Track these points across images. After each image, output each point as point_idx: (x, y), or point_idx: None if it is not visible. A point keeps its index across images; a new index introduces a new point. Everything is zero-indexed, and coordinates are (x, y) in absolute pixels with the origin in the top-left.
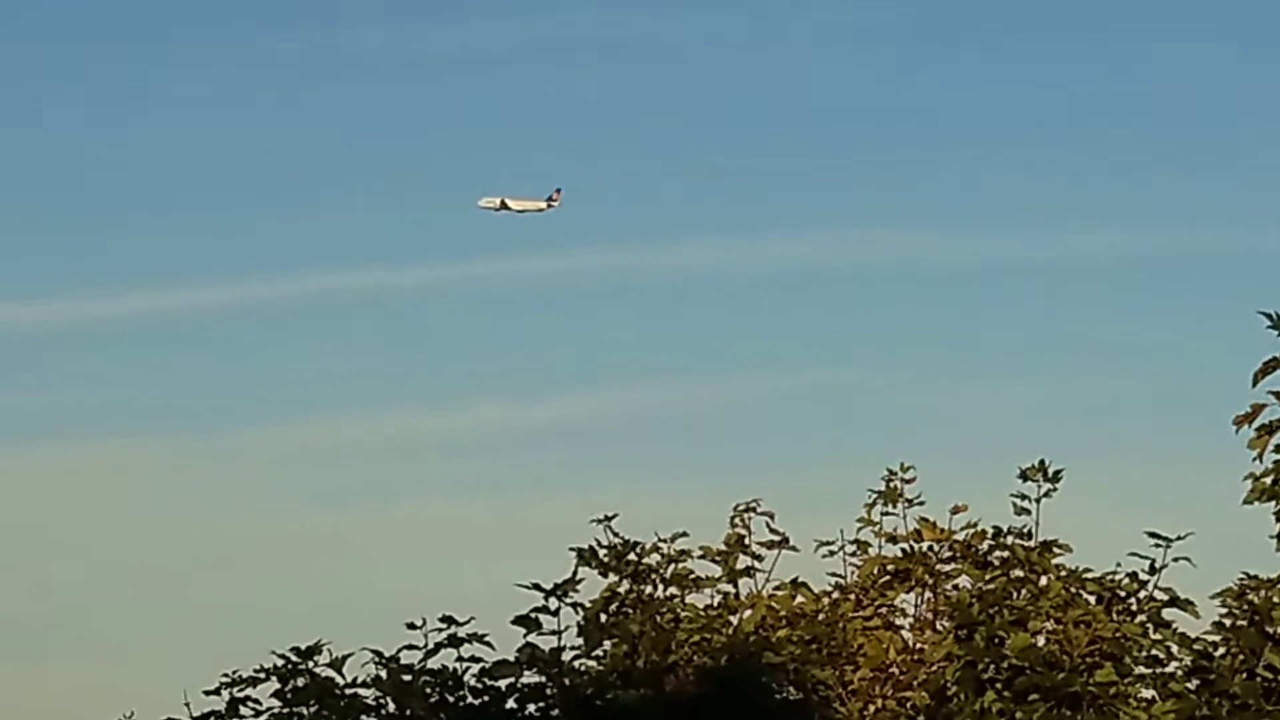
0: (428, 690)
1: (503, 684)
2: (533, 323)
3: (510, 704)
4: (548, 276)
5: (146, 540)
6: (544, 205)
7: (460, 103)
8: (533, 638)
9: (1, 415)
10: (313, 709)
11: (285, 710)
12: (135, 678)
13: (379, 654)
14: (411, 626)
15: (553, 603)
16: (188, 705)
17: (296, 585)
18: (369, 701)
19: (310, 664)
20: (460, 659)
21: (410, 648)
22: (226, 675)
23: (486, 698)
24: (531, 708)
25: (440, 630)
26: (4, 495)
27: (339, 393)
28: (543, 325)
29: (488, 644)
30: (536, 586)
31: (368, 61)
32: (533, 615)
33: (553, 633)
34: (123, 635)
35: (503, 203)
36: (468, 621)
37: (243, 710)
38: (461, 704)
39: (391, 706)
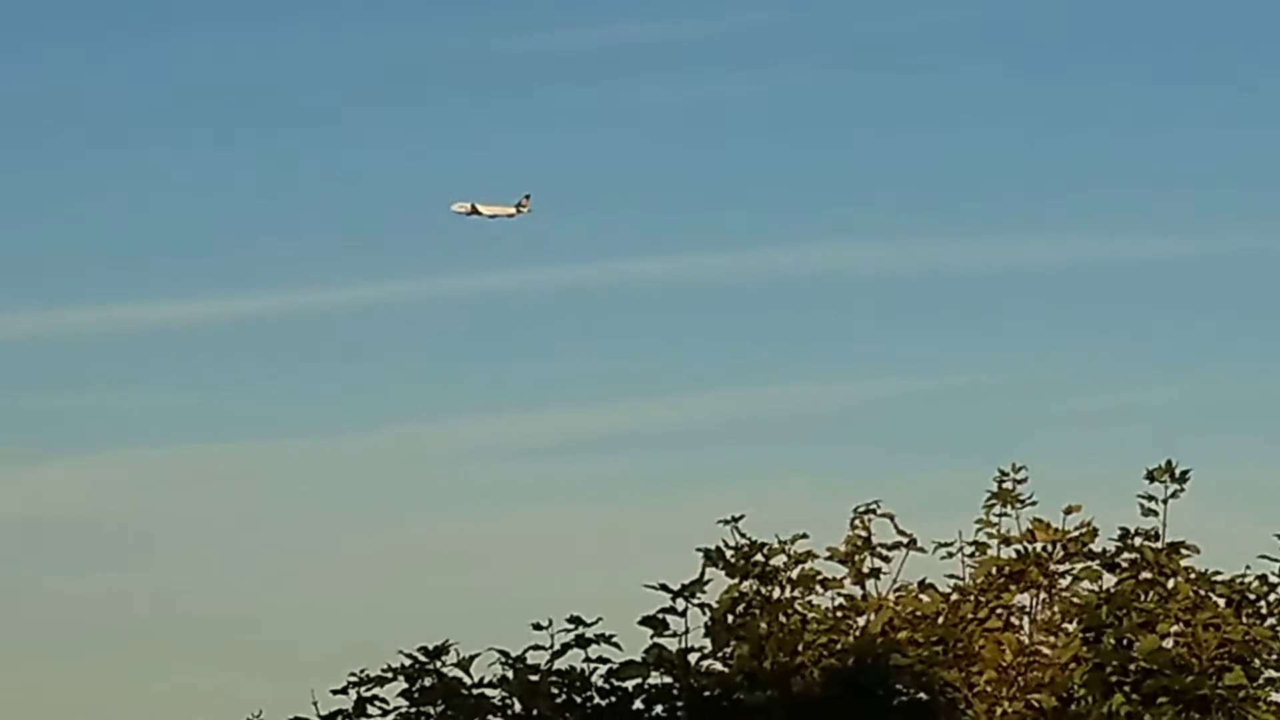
0: (554, 691)
1: (630, 685)
2: (653, 325)
3: (637, 705)
4: (658, 278)
5: (273, 541)
6: (513, 210)
7: None
8: (660, 638)
9: (141, 416)
10: (439, 709)
11: (412, 710)
12: (263, 677)
13: (505, 654)
14: (538, 627)
15: (680, 603)
16: (315, 704)
17: (423, 585)
18: (495, 702)
19: (437, 664)
20: (587, 659)
21: (537, 648)
22: (354, 675)
23: (613, 698)
24: (658, 709)
25: (567, 631)
26: (139, 496)
27: (461, 396)
28: (663, 328)
29: (615, 644)
30: (664, 587)
31: None
32: (660, 616)
33: (679, 634)
34: (250, 635)
35: (473, 207)
36: (595, 622)
37: (370, 710)
38: (588, 705)
39: (518, 707)
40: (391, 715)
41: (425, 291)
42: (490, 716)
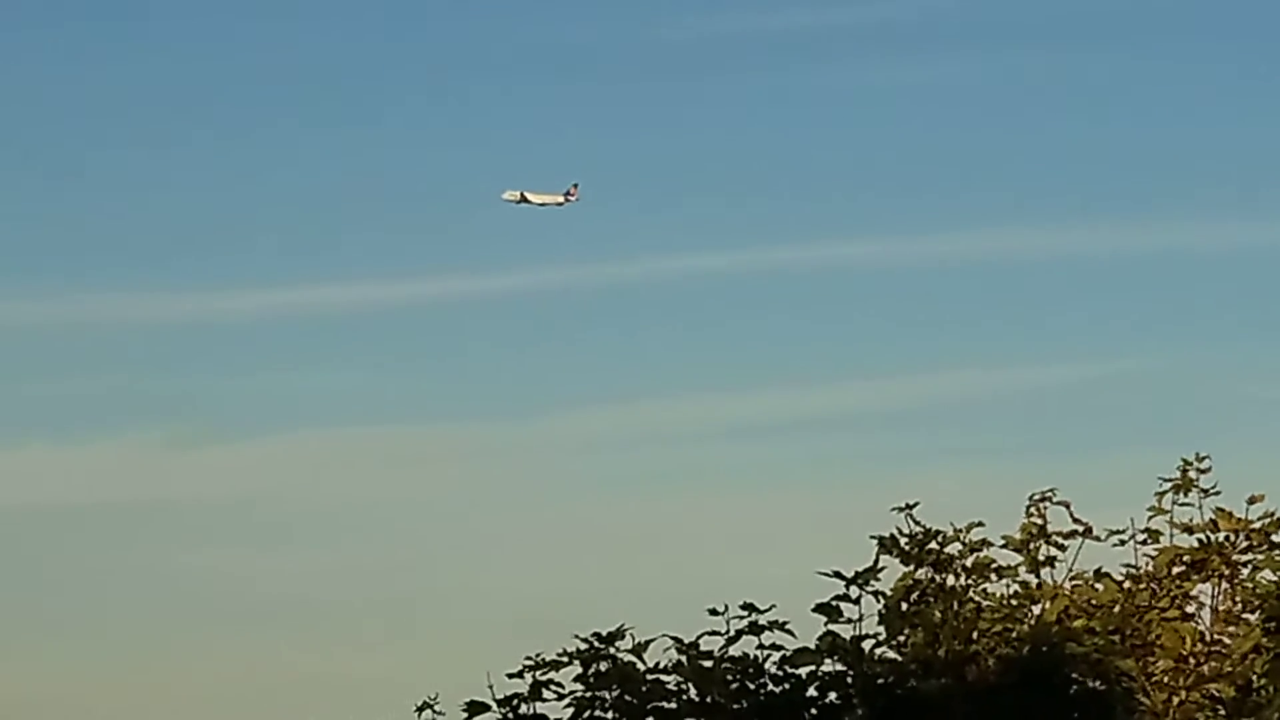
0: (728, 677)
1: (803, 672)
2: (822, 313)
3: (810, 692)
4: (835, 265)
5: (453, 524)
6: (561, 199)
7: None
8: (833, 626)
9: (325, 399)
10: (614, 693)
11: (587, 694)
12: (440, 659)
13: (680, 640)
14: (713, 613)
15: (854, 591)
16: (491, 688)
17: (598, 569)
18: (669, 687)
19: (612, 649)
20: (761, 646)
21: (711, 634)
22: (530, 659)
23: (787, 685)
24: (831, 696)
25: (741, 617)
26: (321, 477)
27: (636, 382)
28: (833, 315)
29: (789, 631)
30: (838, 574)
31: None
32: (834, 603)
33: (853, 621)
34: (428, 617)
35: (523, 196)
36: (769, 609)
37: (545, 694)
38: (761, 691)
39: (692, 693)
40: (566, 699)
41: (592, 279)
42: (664, 702)
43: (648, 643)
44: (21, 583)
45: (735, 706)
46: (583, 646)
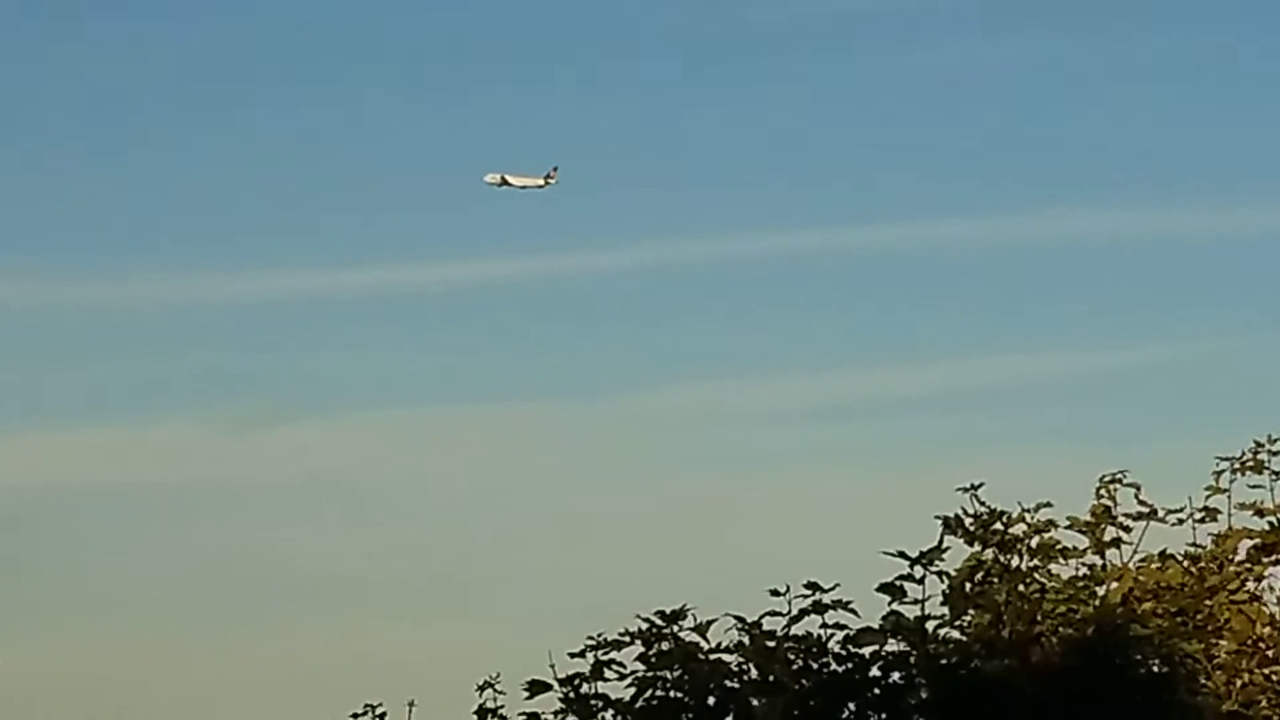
0: (791, 656)
1: (866, 652)
2: (891, 295)
3: (874, 671)
4: (910, 248)
5: (518, 503)
6: (542, 182)
7: None
8: (897, 605)
9: (402, 378)
10: (676, 673)
11: (649, 674)
12: (501, 639)
13: (742, 620)
14: (775, 593)
15: (918, 571)
16: (553, 667)
17: (661, 549)
18: (732, 667)
19: (675, 629)
20: (824, 625)
21: (774, 614)
22: (592, 638)
23: (850, 664)
24: (895, 676)
25: (804, 597)
26: (397, 456)
27: (703, 362)
28: (904, 298)
29: (852, 611)
30: (902, 554)
31: None
32: (898, 583)
33: (917, 601)
34: (489, 596)
35: (503, 179)
36: (832, 588)
37: (607, 673)
38: (824, 671)
39: (754, 672)
40: (628, 679)
41: (657, 258)
42: (726, 681)
43: (710, 622)
44: (82, 563)
45: (797, 686)
46: (645, 626)
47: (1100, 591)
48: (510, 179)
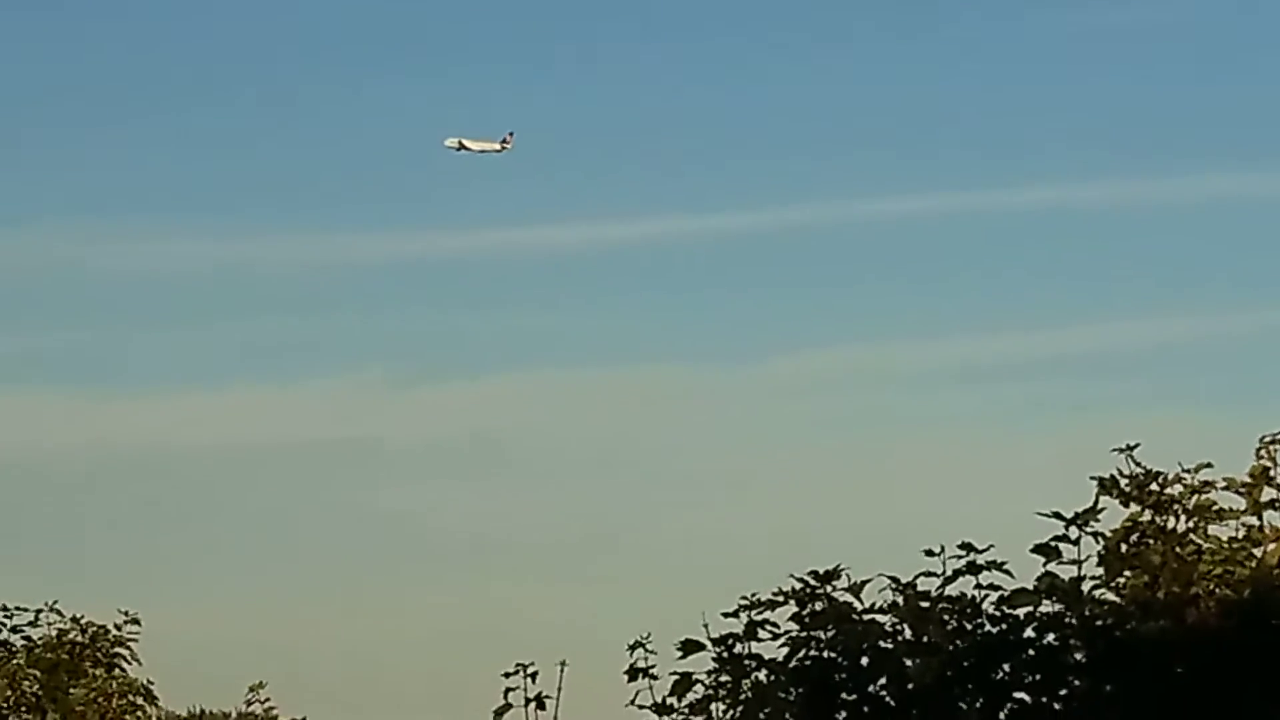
0: (945, 617)
1: (1020, 613)
2: (1040, 257)
3: (1028, 633)
4: (1058, 208)
5: (668, 464)
6: (498, 146)
7: None
8: (1052, 566)
9: (554, 338)
10: (829, 634)
11: (802, 634)
12: (654, 598)
13: (896, 580)
14: (929, 554)
15: (1073, 532)
16: (705, 626)
17: (816, 510)
18: (885, 628)
19: (828, 589)
20: (979, 586)
21: (928, 575)
22: (745, 598)
23: (1004, 626)
24: (1049, 637)
25: (959, 557)
26: (540, 416)
27: (853, 323)
28: (1052, 259)
29: (1007, 572)
30: (1057, 515)
31: None
32: (1052, 544)
33: (1072, 562)
34: (641, 556)
35: (460, 143)
36: (987, 549)
37: (760, 633)
38: (978, 631)
39: (908, 633)
40: (781, 639)
41: (805, 219)
42: (880, 642)
43: (864, 583)
44: (234, 523)
45: (951, 646)
46: (798, 586)
47: (1258, 553)
48: (468, 143)
